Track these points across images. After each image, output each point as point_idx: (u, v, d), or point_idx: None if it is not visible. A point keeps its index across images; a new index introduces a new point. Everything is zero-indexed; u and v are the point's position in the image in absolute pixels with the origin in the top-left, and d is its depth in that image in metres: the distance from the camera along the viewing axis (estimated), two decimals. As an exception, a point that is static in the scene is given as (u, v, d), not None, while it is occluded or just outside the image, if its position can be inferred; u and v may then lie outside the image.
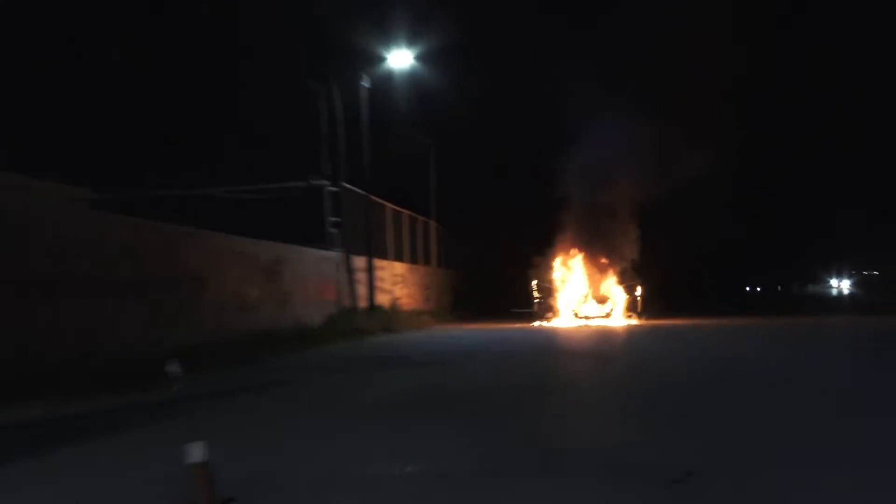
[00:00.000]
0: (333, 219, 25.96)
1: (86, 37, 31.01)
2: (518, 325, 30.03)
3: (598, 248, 35.71)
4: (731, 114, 35.51)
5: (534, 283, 35.53)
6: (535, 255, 36.18)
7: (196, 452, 5.28)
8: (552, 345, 20.80)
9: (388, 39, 29.99)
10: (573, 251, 35.80)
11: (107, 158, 28.33)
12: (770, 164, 48.50)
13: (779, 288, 78.14)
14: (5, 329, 11.47)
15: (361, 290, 27.23)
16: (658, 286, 36.87)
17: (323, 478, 6.17)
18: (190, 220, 19.16)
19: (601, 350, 19.12)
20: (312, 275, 23.91)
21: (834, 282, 55.88)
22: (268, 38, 33.73)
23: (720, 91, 34.08)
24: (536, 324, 31.34)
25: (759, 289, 79.40)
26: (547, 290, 35.37)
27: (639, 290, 34.62)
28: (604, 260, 35.70)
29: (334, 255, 25.79)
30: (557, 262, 35.68)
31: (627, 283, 35.07)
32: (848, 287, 53.57)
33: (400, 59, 30.35)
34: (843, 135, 49.57)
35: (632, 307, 34.13)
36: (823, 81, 47.60)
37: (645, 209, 35.85)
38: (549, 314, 34.25)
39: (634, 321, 31.66)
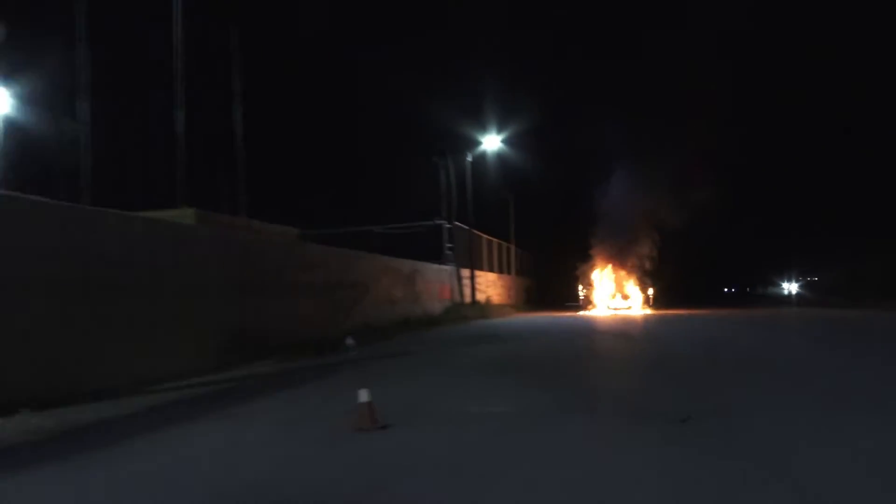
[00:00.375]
0: (448, 245, 26.32)
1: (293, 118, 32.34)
2: (569, 314, 29.72)
3: (622, 259, 35.09)
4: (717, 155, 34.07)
5: (579, 285, 35.26)
6: (579, 265, 35.89)
7: (363, 395, 5.57)
8: (592, 327, 20.59)
9: (484, 128, 30.70)
10: (605, 262, 35.29)
11: (308, 206, 29.39)
12: (740, 190, 45.52)
13: (747, 289, 74.53)
14: (248, 314, 11.59)
15: (466, 291, 27.40)
16: (665, 286, 36.02)
17: (443, 411, 6.40)
18: (359, 246, 19.70)
19: (625, 330, 18.87)
20: (435, 281, 24.18)
21: (785, 285, 52.97)
22: (410, 128, 34.66)
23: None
24: (581, 313, 30.94)
25: (733, 289, 75.84)
26: (588, 290, 34.97)
27: (651, 290, 33.98)
28: (626, 268, 35.05)
29: (448, 268, 26.04)
30: (595, 271, 35.24)
31: (643, 284, 34.40)
32: (796, 289, 50.72)
33: (492, 141, 30.98)
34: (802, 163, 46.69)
35: (647, 301, 33.49)
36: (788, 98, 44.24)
37: (656, 230, 35.10)
38: (590, 306, 33.80)
39: (649, 311, 30.93)
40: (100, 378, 7.82)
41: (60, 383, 7.30)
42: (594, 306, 33.68)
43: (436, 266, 24.68)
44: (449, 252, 26.19)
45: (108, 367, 8.12)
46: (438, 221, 26.44)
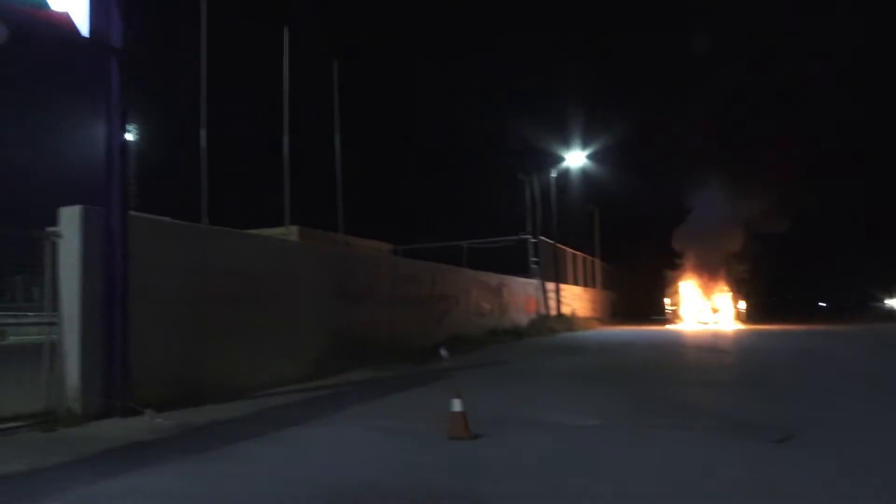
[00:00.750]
0: (534, 259, 26.10)
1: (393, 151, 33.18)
2: (656, 327, 28.69)
3: (712, 272, 33.51)
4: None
5: (665, 298, 33.95)
6: (666, 278, 34.58)
7: (456, 404, 5.57)
8: (681, 341, 19.79)
9: (568, 144, 30.37)
10: (693, 275, 33.84)
11: (400, 222, 30.03)
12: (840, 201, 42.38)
13: (845, 304, 69.24)
14: (346, 324, 11.77)
15: (552, 303, 27.00)
16: (758, 300, 34.12)
17: (535, 421, 6.31)
18: (448, 260, 19.86)
19: (715, 344, 17.99)
20: (521, 294, 23.99)
21: (888, 301, 48.46)
22: (496, 146, 34.79)
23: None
24: (668, 327, 29.76)
25: (829, 304, 70.68)
26: (675, 303, 33.64)
27: (743, 303, 32.22)
28: (716, 281, 33.41)
29: (534, 281, 25.78)
30: (683, 283, 33.84)
31: (734, 297, 32.67)
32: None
33: (576, 157, 30.55)
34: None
35: (738, 315, 31.75)
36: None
37: (748, 242, 33.34)
38: (677, 320, 32.48)
39: (740, 326, 29.32)
40: (213, 382, 8.24)
41: (178, 386, 7.74)
42: (682, 320, 32.33)
43: (522, 279, 24.50)
44: (534, 266, 25.96)
45: (221, 372, 8.54)
46: (524, 236, 26.31)
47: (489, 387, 8.91)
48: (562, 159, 30.45)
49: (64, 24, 6.79)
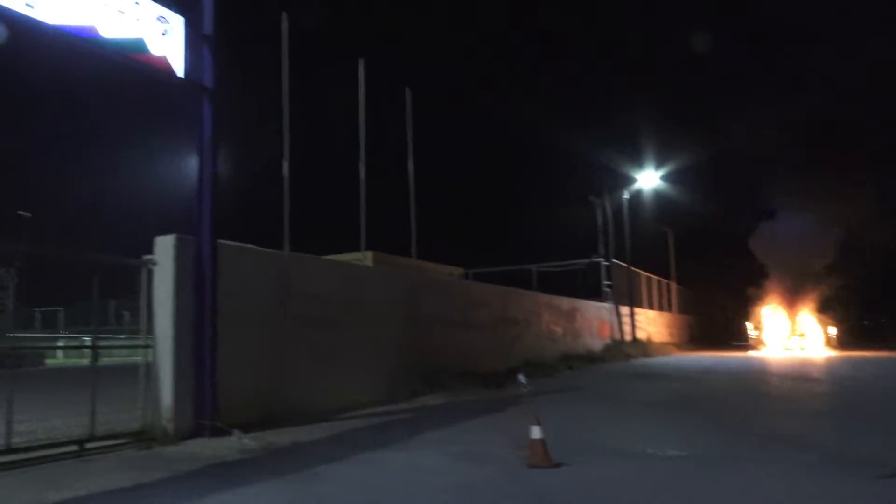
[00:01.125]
0: (606, 282, 25.60)
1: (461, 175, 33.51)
2: (737, 354, 27.41)
3: (798, 295, 31.78)
4: None
5: (748, 322, 32.44)
6: (748, 301, 33.06)
7: (536, 431, 5.51)
8: (766, 368, 18.83)
9: (640, 165, 29.85)
10: (778, 298, 32.20)
11: (470, 246, 30.18)
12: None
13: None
14: (420, 348, 11.88)
15: (626, 328, 26.34)
16: (850, 325, 32.02)
17: (616, 450, 6.15)
18: (518, 284, 19.80)
19: (804, 372, 17.01)
20: (594, 318, 23.54)
21: None
22: (566, 168, 34.55)
23: None
24: (752, 353, 28.34)
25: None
26: (758, 328, 32.06)
27: (834, 328, 30.32)
28: (803, 304, 31.65)
29: (608, 305, 25.25)
30: (766, 307, 32.25)
31: (824, 322, 30.78)
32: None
33: (649, 178, 29.94)
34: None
35: (829, 341, 29.87)
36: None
37: (837, 263, 31.45)
38: (761, 345, 30.92)
39: (831, 352, 27.52)
40: (292, 404, 8.47)
41: (260, 407, 8.00)
42: (766, 346, 30.76)
43: (595, 303, 24.05)
44: (607, 289, 25.45)
45: (299, 394, 8.78)
46: (596, 259, 25.88)
47: (566, 413, 8.75)
48: (634, 180, 29.94)
49: (162, 67, 7.30)
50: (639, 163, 30.13)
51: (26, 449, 5.98)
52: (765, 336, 31.43)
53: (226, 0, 8.08)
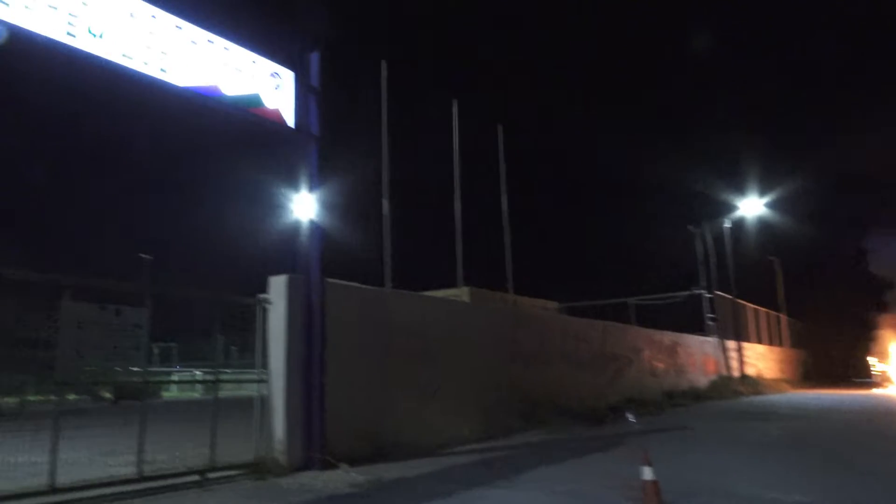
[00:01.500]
0: (710, 315, 24.45)
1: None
2: (859, 391, 25.25)
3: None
4: None
5: (871, 357, 29.88)
6: (869, 332, 30.48)
7: (647, 472, 5.33)
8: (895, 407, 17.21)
9: (742, 192, 28.47)
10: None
11: (565, 280, 29.79)
12: None
13: None
14: (517, 383, 11.84)
15: (733, 363, 24.96)
16: None
17: (735, 495, 5.84)
18: (615, 318, 19.32)
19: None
20: (698, 353, 22.50)
21: None
22: (663, 197, 33.64)
23: None
24: (876, 390, 26.01)
25: None
26: (885, 362, 29.43)
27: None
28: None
29: (712, 339, 24.07)
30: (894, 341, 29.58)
31: None
32: None
33: (752, 205, 28.42)
34: None
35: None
36: None
37: None
38: (887, 382, 28.34)
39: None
40: (394, 439, 8.60)
41: (364, 441, 8.18)
42: (893, 382, 28.19)
43: (698, 338, 23.01)
44: (711, 322, 24.30)
45: (401, 429, 8.91)
46: (697, 291, 24.79)
47: (676, 454, 8.37)
48: (735, 208, 28.57)
49: (276, 119, 7.86)
50: (740, 189, 28.80)
51: (155, 478, 6.43)
52: (893, 371, 28.83)
53: (330, 53, 8.63)
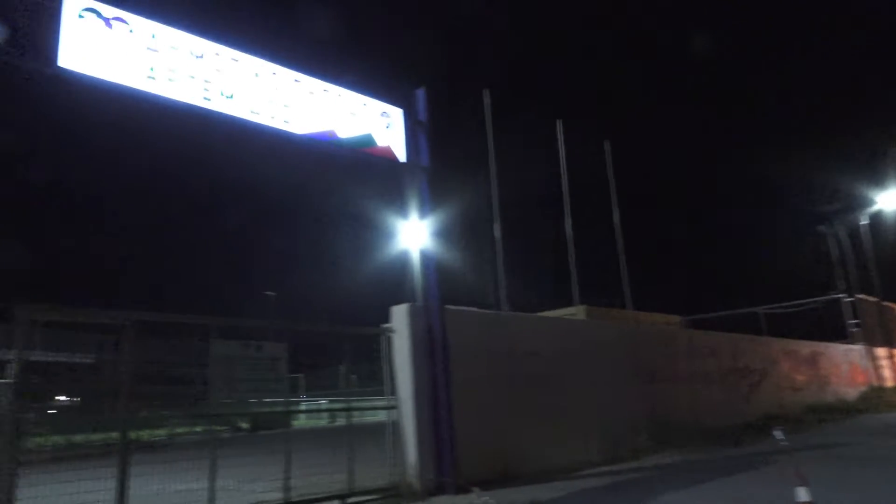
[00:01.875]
0: (853, 321, 22.48)
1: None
2: None
3: None
4: None
5: None
6: None
7: (802, 494, 5.02)
8: None
9: (880, 183, 26.00)
10: None
11: (685, 293, 28.59)
12: None
13: None
14: (642, 402, 11.51)
15: (885, 372, 22.73)
16: None
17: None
18: (743, 329, 18.28)
19: None
20: (843, 362, 20.72)
21: None
22: (787, 196, 31.53)
23: None
24: None
25: None
26: None
27: None
28: None
29: (857, 347, 22.09)
30: None
31: None
32: None
33: (891, 197, 25.88)
34: None
35: None
36: None
37: None
38: None
39: None
40: (519, 462, 8.59)
41: (489, 465, 8.23)
42: None
43: (841, 346, 21.21)
44: (855, 329, 22.34)
45: (526, 452, 8.88)
46: (835, 295, 22.92)
47: (828, 475, 7.72)
48: (871, 202, 26.13)
49: (387, 155, 8.26)
50: (876, 182, 26.33)
51: (300, 503, 6.82)
52: None
53: (435, 87, 8.97)
